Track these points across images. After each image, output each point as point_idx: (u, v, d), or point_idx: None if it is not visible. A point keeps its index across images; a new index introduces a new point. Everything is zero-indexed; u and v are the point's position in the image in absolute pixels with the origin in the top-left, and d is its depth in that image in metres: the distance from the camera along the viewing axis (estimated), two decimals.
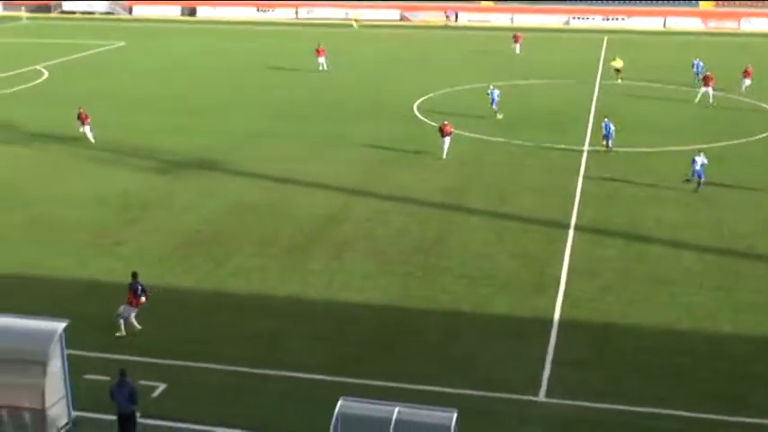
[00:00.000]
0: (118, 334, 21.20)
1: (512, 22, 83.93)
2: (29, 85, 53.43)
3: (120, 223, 29.22)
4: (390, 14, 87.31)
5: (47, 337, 16.46)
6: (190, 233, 28.28)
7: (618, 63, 54.55)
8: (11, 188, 32.81)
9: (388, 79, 55.34)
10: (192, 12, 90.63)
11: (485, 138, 40.36)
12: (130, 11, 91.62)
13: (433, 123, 42.71)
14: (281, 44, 71.50)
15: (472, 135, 40.73)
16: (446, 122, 37.40)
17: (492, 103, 44.27)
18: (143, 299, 21.37)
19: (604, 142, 37.85)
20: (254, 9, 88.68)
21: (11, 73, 56.62)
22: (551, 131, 41.38)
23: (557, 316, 22.51)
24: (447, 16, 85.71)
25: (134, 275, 21.70)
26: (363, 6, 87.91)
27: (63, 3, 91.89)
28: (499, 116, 43.87)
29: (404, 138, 40.56)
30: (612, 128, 37.74)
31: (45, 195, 32.01)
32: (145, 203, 31.20)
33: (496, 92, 44.72)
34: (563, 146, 38.75)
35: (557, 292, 23.85)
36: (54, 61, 61.58)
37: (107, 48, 68.84)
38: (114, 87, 52.87)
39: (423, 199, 31.71)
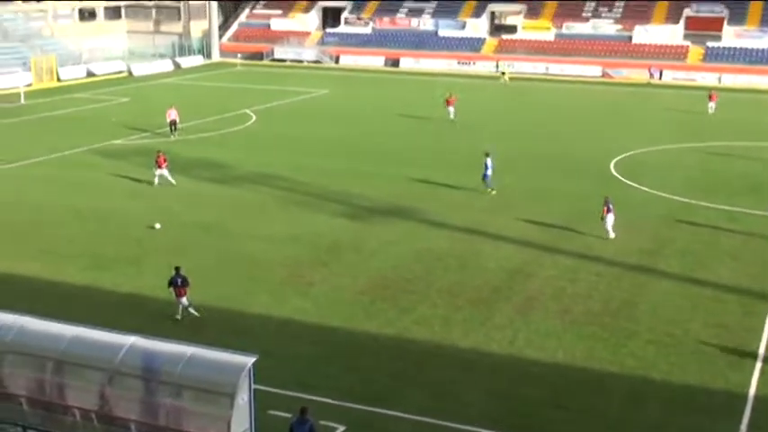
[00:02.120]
0: (178, 317, 25.18)
1: (719, 81, 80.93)
2: (238, 127, 56.38)
3: (312, 264, 30.16)
4: (592, 71, 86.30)
5: (236, 369, 17.09)
6: (378, 278, 28.79)
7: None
8: (217, 226, 34.60)
9: (584, 135, 54.55)
10: (396, 62, 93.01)
11: (682, 200, 38.97)
12: (337, 60, 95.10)
13: (630, 183, 41.76)
14: (478, 96, 72.02)
15: (668, 196, 39.43)
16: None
17: (485, 177, 39.68)
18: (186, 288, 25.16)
19: None
20: (455, 61, 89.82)
21: (223, 116, 59.94)
22: (751, 197, 39.41)
23: (752, 392, 21.23)
24: (651, 74, 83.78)
25: (177, 270, 25.26)
26: (564, 62, 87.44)
27: (275, 51, 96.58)
28: (492, 192, 39.63)
29: (597, 195, 39.71)
30: None
31: (246, 233, 33.55)
32: (336, 246, 32.09)
33: (489, 161, 39.54)
34: (763, 212, 36.80)
35: (753, 367, 22.52)
36: (262, 106, 64.74)
37: (311, 95, 71.73)
38: (314, 132, 54.93)
39: (613, 259, 30.91)
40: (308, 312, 25.88)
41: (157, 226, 34.15)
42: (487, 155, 39.89)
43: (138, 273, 29.20)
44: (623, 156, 47.83)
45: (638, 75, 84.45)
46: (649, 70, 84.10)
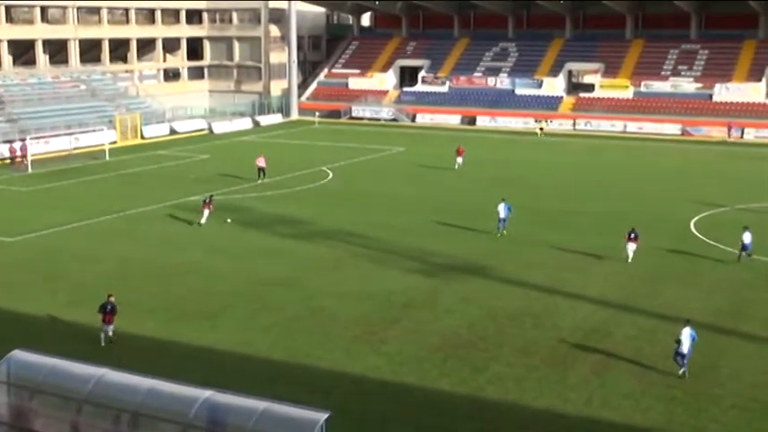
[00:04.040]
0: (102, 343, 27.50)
1: None
2: (315, 184, 57.07)
3: (385, 321, 30.13)
4: (672, 128, 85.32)
5: (309, 426, 17.11)
6: (451, 336, 28.60)
7: None
8: (293, 281, 34.89)
9: (664, 193, 53.72)
10: (472, 120, 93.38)
11: (765, 260, 37.95)
12: (413, 118, 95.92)
13: (711, 242, 40.89)
14: (551, 155, 71.76)
15: (755, 257, 38.42)
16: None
17: (500, 221, 42.53)
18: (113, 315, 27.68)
19: None
20: (533, 119, 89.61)
21: (300, 173, 60.76)
22: None
23: None
24: (730, 132, 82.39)
25: (108, 296, 27.94)
26: (642, 120, 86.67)
27: (352, 109, 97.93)
28: (499, 234, 42.40)
29: (677, 254, 39.05)
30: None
31: (321, 289, 33.76)
32: (409, 303, 32.03)
33: (501, 206, 42.64)
34: None
35: None
36: (339, 163, 65.49)
37: (388, 152, 72.34)
38: (389, 189, 55.33)
39: (695, 319, 30.01)
40: (380, 369, 25.81)
41: (228, 221, 42.36)
42: (503, 200, 43.13)
43: (215, 326, 29.54)
44: (704, 215, 46.94)
45: (718, 133, 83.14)
46: (728, 128, 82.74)
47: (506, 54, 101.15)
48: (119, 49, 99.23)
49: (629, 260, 37.76)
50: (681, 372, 25.45)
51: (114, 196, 52.82)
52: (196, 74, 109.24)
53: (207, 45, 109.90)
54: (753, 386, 24.68)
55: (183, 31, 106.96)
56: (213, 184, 55.57)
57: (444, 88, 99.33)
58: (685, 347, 25.36)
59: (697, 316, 30.43)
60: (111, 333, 27.85)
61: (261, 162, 58.01)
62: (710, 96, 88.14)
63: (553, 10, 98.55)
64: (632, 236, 38.25)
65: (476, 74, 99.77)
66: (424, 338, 28.41)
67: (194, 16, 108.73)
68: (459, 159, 63.34)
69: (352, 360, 26.59)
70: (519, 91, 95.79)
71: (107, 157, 68.11)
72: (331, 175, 60.74)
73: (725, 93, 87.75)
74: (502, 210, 42.88)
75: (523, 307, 31.64)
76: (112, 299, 28.06)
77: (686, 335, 25.58)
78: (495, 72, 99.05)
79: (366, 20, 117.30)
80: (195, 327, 29.52)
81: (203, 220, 44.30)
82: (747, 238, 37.77)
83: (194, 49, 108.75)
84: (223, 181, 57.23)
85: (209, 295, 33.01)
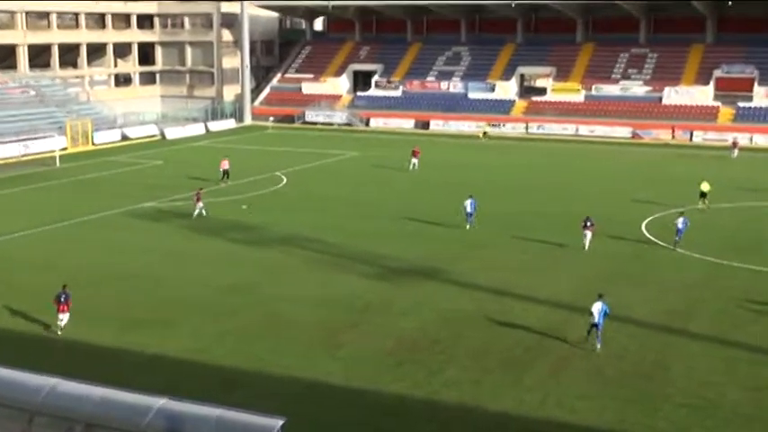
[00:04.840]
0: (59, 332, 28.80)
1: (751, 142, 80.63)
2: (269, 189, 56.90)
3: (341, 326, 30.13)
4: (622, 132, 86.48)
5: None
6: (406, 340, 28.70)
7: (705, 186, 50.73)
8: (249, 287, 34.73)
9: (615, 195, 54.41)
10: (426, 125, 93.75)
11: (715, 261, 38.64)
12: (367, 123, 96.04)
13: (662, 243, 41.52)
14: (510, 158, 72.34)
15: (700, 257, 39.13)
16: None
17: (467, 216, 44.55)
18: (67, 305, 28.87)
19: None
20: (488, 123, 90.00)
21: (254, 178, 60.53)
22: None
23: None
24: (674, 134, 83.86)
25: (63, 287, 29.29)
26: (594, 123, 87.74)
27: (306, 114, 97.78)
28: (468, 227, 44.40)
29: (627, 256, 39.60)
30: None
31: (277, 295, 33.66)
32: (365, 307, 32.08)
33: (468, 201, 44.71)
34: None
35: None
36: (293, 168, 65.38)
37: (342, 157, 72.36)
38: (344, 193, 55.36)
39: (645, 320, 30.62)
40: (336, 374, 25.81)
41: (244, 207, 47.57)
42: (470, 196, 45.08)
43: (170, 333, 29.30)
44: (655, 216, 47.64)
45: (667, 135, 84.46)
46: (672, 130, 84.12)
47: (459, 58, 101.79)
48: (68, 55, 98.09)
49: (586, 248, 39.92)
50: (596, 346, 27.59)
51: (66, 203, 52.17)
52: (148, 79, 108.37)
53: (158, 50, 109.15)
54: (703, 384, 25.10)
55: (135, 35, 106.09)
56: (167, 191, 55.14)
57: (398, 92, 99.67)
58: (596, 318, 27.50)
59: (648, 316, 30.95)
60: (64, 322, 28.94)
61: (225, 165, 59.20)
62: (660, 99, 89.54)
63: (505, 15, 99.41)
64: (588, 224, 40.44)
65: (429, 78, 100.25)
66: (379, 342, 28.47)
67: (145, 21, 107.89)
68: (415, 160, 64.55)
69: (307, 365, 26.56)
70: (472, 95, 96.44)
71: (58, 164, 67.24)
72: (285, 180, 60.60)
73: (674, 96, 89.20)
74: (469, 205, 44.59)
75: (478, 309, 31.84)
76: (67, 289, 29.30)
77: (598, 308, 27.63)
78: (447, 76, 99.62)
79: (319, 24, 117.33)
80: (150, 334, 29.25)
81: (198, 212, 47.14)
82: (681, 223, 40.59)
83: (146, 53, 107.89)
84: (176, 187, 56.78)
85: (163, 302, 32.74)
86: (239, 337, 28.94)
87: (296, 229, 44.65)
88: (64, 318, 28.96)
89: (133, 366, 26.45)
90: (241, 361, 26.76)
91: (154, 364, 26.80)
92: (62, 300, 28.94)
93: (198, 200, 47.44)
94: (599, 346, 27.63)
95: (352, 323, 30.42)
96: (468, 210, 44.60)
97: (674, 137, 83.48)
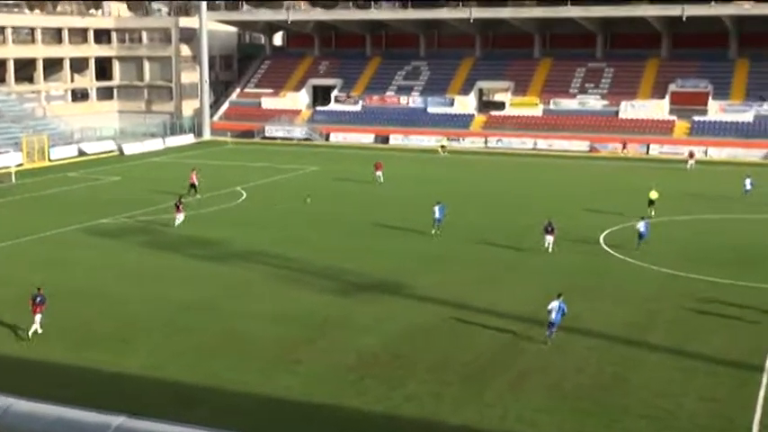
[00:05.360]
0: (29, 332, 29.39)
1: (705, 155, 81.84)
2: (229, 205, 56.64)
3: (301, 341, 30.03)
4: (580, 145, 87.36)
5: None
6: (367, 355, 28.68)
7: (653, 194, 52.06)
8: (208, 304, 34.48)
9: (573, 208, 54.85)
10: (385, 139, 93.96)
11: (672, 272, 39.13)
12: (327, 137, 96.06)
13: (620, 256, 41.95)
14: (470, 172, 72.73)
15: (658, 269, 39.61)
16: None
17: (435, 221, 46.07)
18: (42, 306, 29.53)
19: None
20: (446, 138, 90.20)
21: (213, 194, 60.23)
22: (740, 268, 39.62)
23: None
24: (624, 147, 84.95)
25: (38, 289, 30.02)
26: (552, 137, 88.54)
27: (265, 129, 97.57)
28: (433, 231, 45.91)
29: (585, 268, 39.96)
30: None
31: (236, 311, 33.45)
32: (325, 323, 32.00)
33: (437, 207, 46.23)
34: (757, 284, 36.95)
35: None
36: (252, 183, 65.17)
37: (301, 172, 72.28)
38: (303, 208, 55.22)
39: (603, 332, 30.88)
40: (296, 390, 25.69)
41: (308, 200, 51.87)
42: (438, 202, 46.73)
43: (128, 351, 28.99)
44: (613, 229, 48.13)
45: (623, 148, 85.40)
46: (623, 144, 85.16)
47: (418, 73, 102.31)
48: (24, 69, 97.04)
49: (550, 251, 42.04)
50: (548, 341, 29.29)
51: (22, 220, 51.50)
52: (105, 94, 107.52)
53: (116, 65, 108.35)
54: (661, 395, 25.36)
55: (92, 50, 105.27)
56: (124, 207, 54.66)
57: (357, 107, 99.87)
58: (552, 315, 29.18)
59: (607, 328, 31.22)
60: (38, 324, 29.64)
61: (193, 178, 59.41)
62: (617, 113, 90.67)
63: (463, 30, 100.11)
64: (549, 228, 42.33)
65: (388, 93, 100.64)
66: (339, 358, 28.41)
67: (103, 36, 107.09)
68: (379, 173, 65.35)
69: (266, 381, 26.42)
70: (431, 109, 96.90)
71: (13, 180, 66.35)
72: (245, 195, 60.37)
73: (630, 110, 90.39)
74: (437, 210, 46.26)
75: (440, 323, 31.92)
76: (42, 291, 30.21)
77: (555, 306, 29.29)
78: (407, 91, 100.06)
79: (278, 39, 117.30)
80: (106, 352, 28.91)
81: (179, 222, 48.31)
82: (642, 227, 42.81)
83: (103, 68, 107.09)
84: (133, 203, 56.31)
85: (120, 320, 32.39)
86: (197, 354, 28.72)
87: (256, 245, 44.48)
88: (37, 320, 29.59)
89: (90, 384, 26.12)
90: (199, 378, 26.55)
91: (112, 381, 26.48)
92: (37, 301, 29.72)
93: (178, 210, 48.42)
94: (549, 342, 29.15)
95: (311, 339, 30.33)
96: (437, 215, 46.07)
97: (624, 150, 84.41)
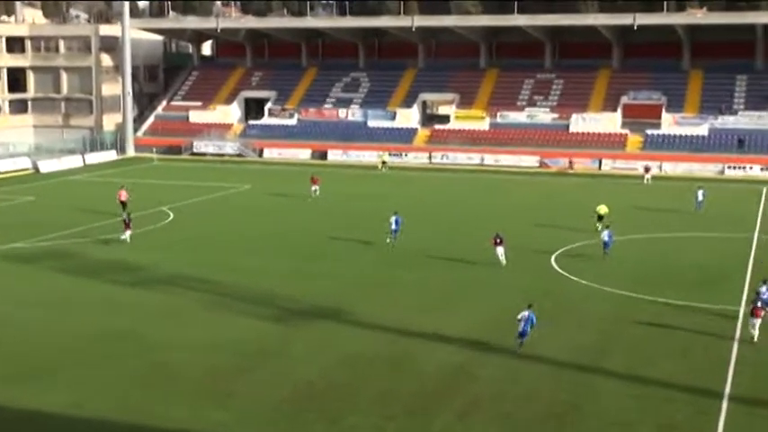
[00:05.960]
0: None
1: (660, 170, 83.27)
2: (154, 226, 55.98)
3: (233, 372, 29.70)
4: (529, 161, 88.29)
5: None
6: (304, 386, 28.45)
7: (602, 209, 53.63)
8: (132, 334, 33.87)
9: (523, 227, 55.26)
10: (323, 155, 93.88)
11: (626, 294, 39.61)
12: (260, 153, 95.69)
13: (572, 277, 42.36)
14: (413, 189, 72.99)
15: (612, 290, 40.06)
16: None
17: (392, 233, 48.85)
18: None
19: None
20: (387, 153, 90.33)
21: (138, 214, 59.35)
22: (701, 290, 40.29)
23: None
24: (571, 163, 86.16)
25: None
26: (500, 152, 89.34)
27: (194, 144, 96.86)
28: (388, 241, 48.61)
29: (537, 290, 40.20)
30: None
31: (163, 341, 32.94)
32: (260, 352, 31.69)
33: (393, 218, 49.10)
34: (714, 305, 37.59)
35: None
36: (180, 203, 64.56)
37: (233, 190, 71.85)
38: (235, 229, 54.90)
39: (555, 358, 31.08)
40: (228, 425, 25.36)
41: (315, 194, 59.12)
42: (395, 213, 49.57)
43: (43, 387, 28.36)
44: (565, 248, 48.60)
45: (576, 164, 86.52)
46: (569, 161, 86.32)
47: (357, 84, 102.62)
48: None
49: (503, 263, 43.87)
50: (517, 350, 31.07)
51: None
52: (19, 107, 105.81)
53: (31, 76, 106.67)
54: (615, 424, 25.58)
55: (3, 60, 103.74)
56: (39, 230, 53.68)
57: (293, 121, 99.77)
58: (521, 326, 30.99)
59: (560, 354, 31.44)
60: None
61: (122, 196, 59.57)
62: (567, 127, 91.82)
63: (405, 39, 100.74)
64: (497, 240, 44.25)
65: (326, 105, 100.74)
66: (275, 390, 28.14)
67: (16, 44, 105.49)
68: (315, 187, 66.79)
69: (197, 417, 26.04)
70: (371, 123, 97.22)
71: None
72: (172, 215, 59.75)
73: (581, 123, 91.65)
74: (393, 222, 48.97)
75: (381, 351, 31.82)
76: None
77: (525, 316, 31.15)
78: (346, 103, 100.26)
79: (207, 48, 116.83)
80: (23, 388, 28.18)
81: (125, 237, 49.69)
82: (606, 236, 45.85)
83: (16, 80, 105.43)
84: (49, 225, 55.30)
85: (37, 353, 31.67)
86: (122, 389, 28.19)
87: (183, 269, 43.96)
88: None
89: (6, 424, 25.48)
90: (124, 414, 26.06)
91: (25, 421, 25.87)
92: None
93: (127, 227, 49.66)
94: (518, 351, 30.97)
95: (245, 370, 30.00)
96: (393, 227, 48.70)
97: (571, 167, 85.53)
